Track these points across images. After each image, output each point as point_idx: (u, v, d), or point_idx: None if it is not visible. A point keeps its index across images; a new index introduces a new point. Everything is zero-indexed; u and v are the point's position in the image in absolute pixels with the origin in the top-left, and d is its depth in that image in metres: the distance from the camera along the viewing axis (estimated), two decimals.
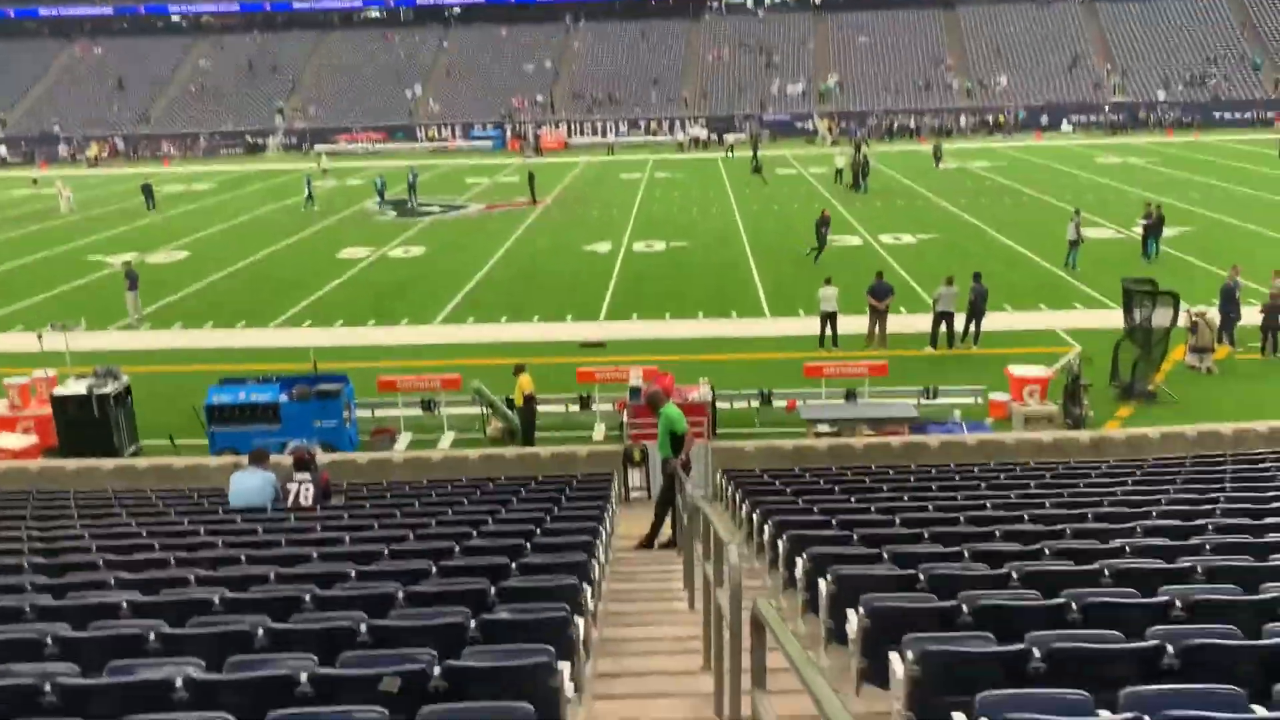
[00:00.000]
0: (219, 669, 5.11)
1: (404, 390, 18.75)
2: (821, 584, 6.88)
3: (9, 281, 32.03)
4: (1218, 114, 67.54)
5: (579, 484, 12.53)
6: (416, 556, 7.72)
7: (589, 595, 6.99)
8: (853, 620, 6.08)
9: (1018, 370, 18.46)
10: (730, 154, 59.58)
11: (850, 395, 18.63)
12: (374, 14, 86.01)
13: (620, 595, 9.35)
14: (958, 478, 12.06)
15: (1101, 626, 5.37)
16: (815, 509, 9.79)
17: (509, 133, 70.73)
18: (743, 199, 43.69)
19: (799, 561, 7.62)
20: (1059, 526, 8.38)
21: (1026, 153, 57.19)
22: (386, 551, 8.00)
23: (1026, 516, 8.98)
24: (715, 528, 6.75)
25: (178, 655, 5.36)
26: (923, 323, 22.70)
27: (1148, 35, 73.62)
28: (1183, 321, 19.65)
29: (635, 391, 16.84)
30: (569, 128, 71.98)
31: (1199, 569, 6.65)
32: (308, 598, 6.50)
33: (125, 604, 6.51)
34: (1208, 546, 7.44)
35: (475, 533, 8.76)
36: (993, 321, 22.53)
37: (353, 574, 7.22)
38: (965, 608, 5.77)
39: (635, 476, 15.19)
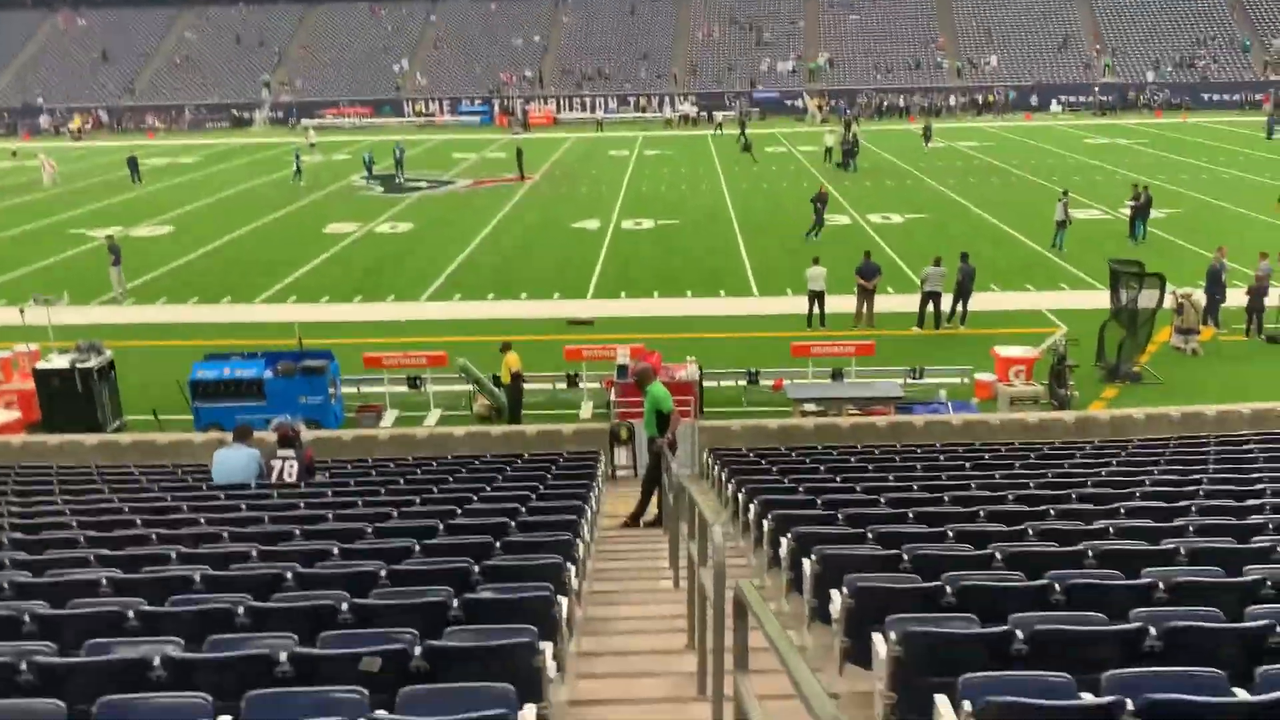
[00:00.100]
0: (198, 648, 5.07)
1: (390, 367, 18.67)
2: (806, 563, 6.87)
3: None
4: (1206, 96, 67.51)
5: (565, 462, 12.50)
6: (400, 535, 7.69)
7: (573, 574, 6.97)
8: (836, 600, 6.08)
9: (1004, 351, 18.50)
10: (719, 131, 59.37)
11: (837, 375, 18.66)
12: None
13: (605, 574, 9.34)
14: (943, 458, 12.08)
15: (1085, 608, 5.38)
16: (801, 488, 9.79)
17: (497, 108, 70.25)
18: (732, 177, 43.55)
19: (784, 541, 7.61)
20: (1043, 507, 8.39)
21: (1015, 133, 57.14)
22: (370, 529, 7.95)
23: (1011, 497, 8.99)
24: (700, 507, 6.73)
25: (157, 634, 5.32)
26: (910, 303, 22.71)
27: (1138, 17, 73.48)
28: (1169, 303, 19.70)
29: (623, 370, 16.81)
30: (557, 103, 71.53)
31: (1182, 550, 6.67)
32: (290, 576, 6.46)
33: (105, 581, 6.46)
34: (1191, 528, 7.47)
35: (460, 511, 8.73)
36: (979, 302, 22.55)
37: (336, 552, 7.18)
38: (949, 588, 5.77)
39: (622, 455, 15.17)
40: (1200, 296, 20.90)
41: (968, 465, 11.33)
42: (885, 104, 68.72)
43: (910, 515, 8.16)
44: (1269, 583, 5.76)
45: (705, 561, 5.69)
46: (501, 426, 16.68)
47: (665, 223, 34.04)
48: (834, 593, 6.17)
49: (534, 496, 9.58)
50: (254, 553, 7.24)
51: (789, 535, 7.52)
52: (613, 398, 16.83)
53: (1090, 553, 6.66)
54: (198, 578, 6.46)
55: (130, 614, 5.58)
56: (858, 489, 9.73)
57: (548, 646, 5.13)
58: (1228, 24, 72.43)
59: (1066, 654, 4.76)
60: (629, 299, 25.13)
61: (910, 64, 72.27)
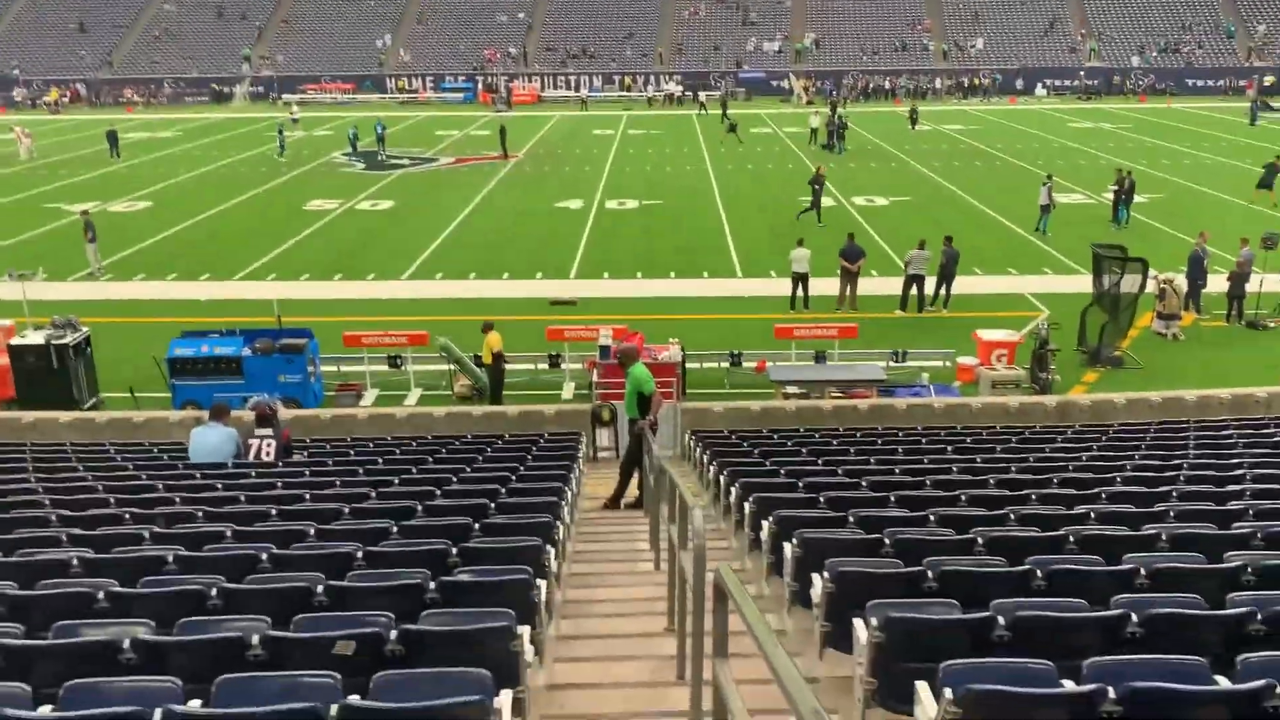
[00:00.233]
0: (170, 631, 4.99)
1: (370, 346, 18.53)
2: (787, 547, 6.83)
3: None
4: (1191, 81, 67.66)
5: (546, 443, 12.44)
6: (378, 516, 7.61)
7: (552, 557, 6.91)
8: (817, 584, 6.04)
9: (986, 334, 18.51)
10: (703, 111, 59.16)
11: (820, 357, 18.64)
12: None
13: (585, 556, 9.29)
14: (924, 441, 12.08)
15: (1066, 594, 5.36)
16: (782, 471, 9.76)
17: (480, 85, 69.71)
18: (717, 158, 43.40)
19: (765, 524, 7.57)
20: (1024, 492, 8.38)
21: (1001, 116, 57.14)
22: (347, 510, 7.87)
23: (992, 481, 8.99)
24: (681, 490, 6.68)
25: (128, 616, 5.23)
26: (893, 285, 22.69)
27: (1124, 1, 73.48)
28: (1151, 288, 19.75)
29: (605, 350, 16.73)
30: (542, 81, 71.03)
31: (1163, 536, 6.67)
32: (265, 557, 6.38)
33: (76, 561, 6.37)
34: (1171, 514, 7.47)
35: (439, 492, 8.66)
36: (963, 285, 22.55)
37: (312, 533, 7.10)
38: (930, 573, 5.74)
39: (604, 436, 15.10)
40: (1182, 282, 20.98)
41: (949, 449, 11.33)
42: (871, 86, 68.55)
43: (892, 499, 8.14)
44: (1249, 569, 5.75)
45: (685, 545, 5.64)
46: (482, 407, 16.59)
47: (649, 203, 33.90)
48: (815, 577, 6.13)
49: (514, 478, 9.51)
50: (229, 533, 7.15)
51: (770, 519, 7.48)
52: (594, 379, 16.76)
53: (1071, 538, 6.65)
54: (171, 558, 6.38)
55: (101, 595, 5.49)
56: (839, 472, 9.71)
57: (526, 630, 5.07)
58: (1213, 9, 72.54)
59: (1048, 640, 4.74)
60: (612, 279, 25.02)
61: (896, 46, 72.09)
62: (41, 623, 5.14)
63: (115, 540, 7.04)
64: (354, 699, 4.10)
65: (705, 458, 11.85)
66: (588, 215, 32.25)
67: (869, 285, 23.02)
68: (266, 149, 44.90)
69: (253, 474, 9.95)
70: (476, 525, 7.24)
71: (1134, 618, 4.82)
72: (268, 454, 10.74)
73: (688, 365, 17.75)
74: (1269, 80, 65.39)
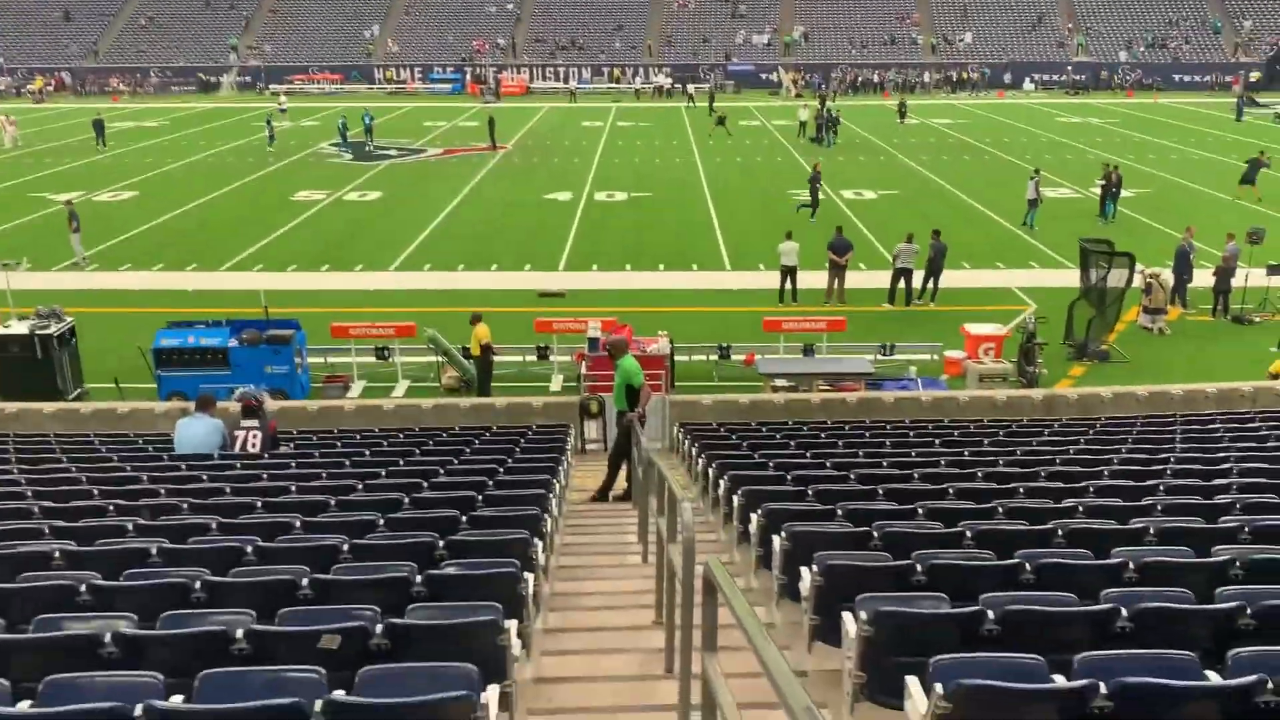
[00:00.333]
0: (153, 625, 4.93)
1: (357, 337, 18.44)
2: (775, 540, 6.81)
3: None
4: (1178, 76, 67.86)
5: (534, 435, 12.39)
6: (364, 508, 7.56)
7: (540, 550, 6.87)
8: (806, 578, 6.01)
9: (974, 328, 18.54)
10: (691, 103, 59.08)
11: (808, 350, 18.64)
12: None
13: (573, 549, 9.26)
14: (912, 434, 12.08)
15: (1055, 588, 5.35)
16: (770, 464, 9.74)
17: (469, 76, 69.41)
18: (706, 150, 43.33)
19: (753, 517, 7.55)
20: (1012, 485, 8.38)
21: (989, 110, 57.21)
22: (334, 503, 7.81)
23: (980, 474, 8.98)
24: (670, 483, 6.65)
25: (110, 609, 5.17)
26: (882, 279, 22.69)
27: None
28: (1137, 282, 19.80)
29: (594, 343, 16.68)
30: (531, 73, 70.78)
31: (1151, 530, 6.67)
32: (249, 550, 6.32)
33: (58, 554, 6.29)
34: (1159, 507, 7.47)
35: (426, 484, 8.61)
36: (950, 279, 22.57)
37: (298, 525, 7.05)
38: (919, 567, 5.72)
39: (592, 428, 15.06)
40: (1168, 276, 21.03)
41: (937, 442, 11.32)
42: (860, 79, 68.54)
43: (880, 492, 8.12)
44: (1238, 563, 5.75)
45: (674, 538, 5.62)
46: (470, 399, 16.52)
47: (638, 195, 33.82)
48: (804, 570, 6.11)
49: (502, 470, 9.46)
50: (214, 525, 7.08)
51: (759, 511, 7.46)
52: (583, 371, 16.71)
53: (1060, 531, 6.65)
54: (154, 551, 6.31)
55: (83, 588, 5.42)
56: (827, 465, 9.70)
57: (513, 624, 5.03)
58: (1199, 5, 72.73)
59: (1037, 635, 4.72)
60: (601, 271, 24.97)
61: (885, 39, 72.08)
62: (22, 616, 5.07)
63: (98, 532, 6.97)
64: (339, 694, 4.05)
65: (694, 450, 11.82)
66: (576, 207, 32.17)
67: (857, 279, 23.03)
68: (254, 139, 44.64)
69: (238, 466, 9.88)
70: (464, 518, 7.19)
71: (1124, 612, 4.80)
72: (254, 446, 10.67)
73: (676, 358, 17.73)
74: (1255, 76, 65.66)
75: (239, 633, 4.59)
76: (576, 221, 30.18)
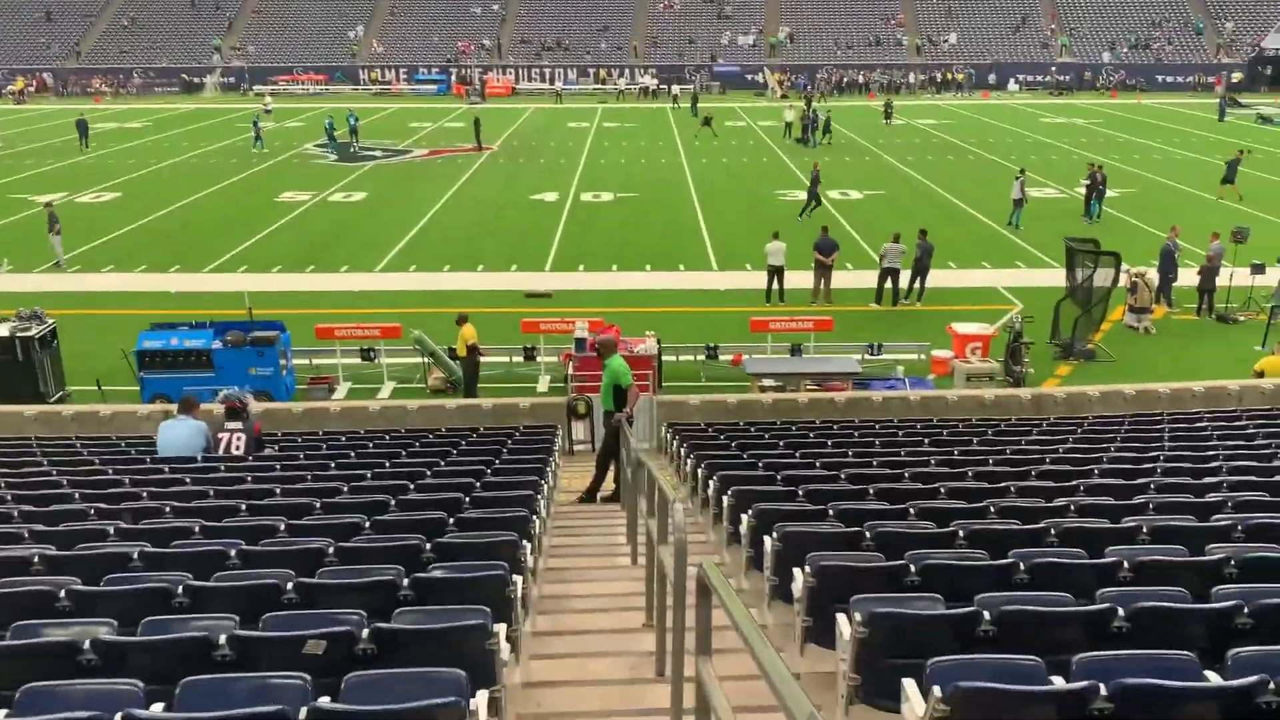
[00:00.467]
0: (134, 630, 4.83)
1: (343, 338, 18.32)
2: (766, 541, 6.74)
3: None
4: (1161, 77, 68.24)
5: (521, 436, 12.30)
6: (350, 510, 7.46)
7: (528, 552, 6.79)
8: (798, 579, 5.95)
9: (961, 327, 18.54)
10: (676, 104, 59.08)
11: (795, 350, 18.60)
12: None
13: (561, 550, 9.18)
14: (901, 434, 12.04)
15: (1049, 588, 5.30)
16: (760, 464, 9.68)
17: (454, 77, 69.21)
18: (692, 151, 43.29)
19: (744, 518, 7.49)
20: (1003, 484, 8.34)
21: (973, 111, 57.37)
22: (319, 505, 7.71)
23: (971, 473, 8.94)
24: (660, 483, 6.57)
25: (90, 615, 5.07)
26: (868, 279, 22.68)
27: None
28: (1123, 282, 19.85)
29: (580, 343, 16.60)
30: (516, 73, 70.62)
31: (1144, 529, 6.63)
32: (233, 554, 6.22)
33: (38, 558, 6.18)
34: (1151, 506, 7.44)
35: (412, 486, 8.51)
36: (937, 279, 22.58)
37: (282, 528, 6.95)
38: (913, 567, 5.67)
39: (579, 429, 14.98)
40: (1154, 275, 21.08)
41: (926, 441, 11.29)
42: (845, 80, 68.65)
43: (871, 492, 8.07)
44: (1232, 562, 5.72)
45: (665, 539, 5.54)
46: (456, 400, 16.42)
47: (625, 196, 33.75)
48: (796, 571, 6.04)
49: (489, 472, 9.38)
50: (197, 529, 6.97)
51: (749, 512, 7.40)
52: (570, 371, 16.63)
53: (1053, 531, 6.61)
54: (136, 555, 6.20)
55: (62, 594, 5.31)
56: (817, 465, 9.64)
57: (501, 628, 4.95)
58: (1182, 7, 73.15)
59: (1034, 635, 4.67)
60: (587, 272, 24.88)
61: (870, 40, 72.22)
62: (1, 622, 4.96)
63: (79, 536, 6.85)
64: (324, 701, 3.96)
65: (682, 451, 11.76)
66: (563, 208, 32.07)
67: (844, 279, 23.01)
68: (238, 140, 44.34)
69: (222, 468, 9.76)
70: (451, 520, 7.11)
71: (1120, 612, 4.75)
72: (238, 448, 10.55)
73: (664, 358, 17.66)
74: (1237, 77, 66.09)
75: (222, 639, 4.49)
76: (563, 222, 30.09)
